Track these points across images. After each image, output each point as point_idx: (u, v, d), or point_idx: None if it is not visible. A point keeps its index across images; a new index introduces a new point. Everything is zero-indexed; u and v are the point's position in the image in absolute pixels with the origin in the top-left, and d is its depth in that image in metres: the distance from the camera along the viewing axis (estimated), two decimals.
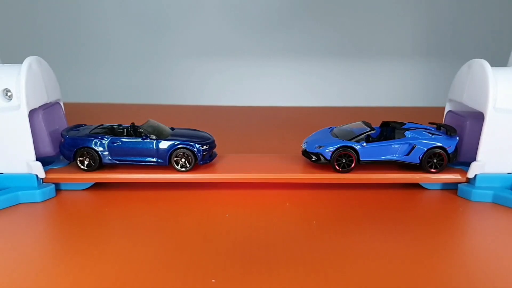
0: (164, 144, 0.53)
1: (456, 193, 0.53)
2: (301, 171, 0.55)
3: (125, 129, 0.58)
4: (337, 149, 0.53)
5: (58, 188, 0.53)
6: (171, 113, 1.03)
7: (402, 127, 0.56)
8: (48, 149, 0.54)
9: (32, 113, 0.51)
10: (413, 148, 0.53)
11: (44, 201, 0.51)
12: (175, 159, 0.53)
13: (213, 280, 0.35)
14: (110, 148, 0.53)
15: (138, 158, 0.54)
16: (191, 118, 0.99)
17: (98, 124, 0.58)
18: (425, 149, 0.53)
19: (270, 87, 1.17)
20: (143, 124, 0.56)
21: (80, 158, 0.53)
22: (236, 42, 1.14)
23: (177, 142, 0.53)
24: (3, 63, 0.55)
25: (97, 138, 0.54)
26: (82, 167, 0.53)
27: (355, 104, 1.15)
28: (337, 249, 0.40)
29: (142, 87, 1.18)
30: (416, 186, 0.55)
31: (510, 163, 0.52)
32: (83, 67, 1.16)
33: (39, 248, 0.41)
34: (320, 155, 0.54)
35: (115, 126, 0.58)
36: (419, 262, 0.38)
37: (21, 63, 0.51)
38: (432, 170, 0.53)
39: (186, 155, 0.53)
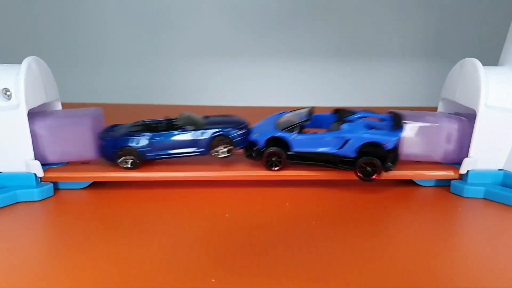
0: (203, 134, 0.54)
1: (449, 190, 0.54)
2: (301, 168, 0.55)
3: (160, 124, 0.58)
4: (267, 140, 0.53)
5: (56, 187, 0.54)
6: (171, 113, 1.03)
7: (349, 117, 0.53)
8: (92, 154, 0.56)
9: (80, 120, 0.54)
10: (346, 142, 0.50)
11: (42, 200, 0.51)
12: (215, 147, 0.54)
13: (213, 280, 0.35)
14: (151, 144, 0.54)
15: (179, 150, 0.54)
16: None
17: (133, 123, 0.58)
18: (360, 143, 0.50)
19: (270, 87, 1.17)
20: (177, 117, 0.57)
21: (124, 158, 0.54)
22: (236, 42, 1.14)
23: (216, 130, 0.54)
24: (1, 63, 0.56)
25: (137, 136, 0.54)
26: (127, 166, 0.54)
27: (355, 104, 1.15)
28: (337, 249, 0.41)
29: (142, 87, 1.18)
30: (410, 182, 0.55)
31: (500, 159, 0.52)
32: (83, 67, 1.17)
33: (37, 247, 0.42)
34: (252, 149, 0.54)
35: (149, 122, 0.58)
36: (415, 257, 0.39)
37: (19, 63, 0.51)
38: (359, 174, 0.51)
39: (225, 142, 0.54)
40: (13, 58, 0.55)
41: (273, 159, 0.53)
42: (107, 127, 0.58)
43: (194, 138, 0.54)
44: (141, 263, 0.38)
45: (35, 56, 0.54)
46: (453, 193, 0.53)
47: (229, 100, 1.17)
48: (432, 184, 0.55)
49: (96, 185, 0.55)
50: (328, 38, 1.13)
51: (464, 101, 0.54)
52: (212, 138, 0.54)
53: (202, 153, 0.54)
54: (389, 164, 0.50)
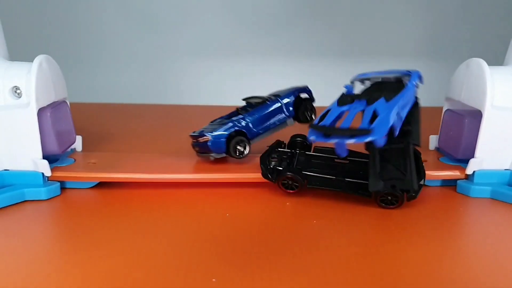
0: (286, 99, 0.60)
1: (455, 190, 0.54)
2: None
3: (240, 111, 0.62)
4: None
5: (63, 187, 0.54)
6: (175, 112, 1.04)
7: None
8: (54, 148, 0.54)
9: (40, 112, 0.52)
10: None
11: (49, 199, 0.51)
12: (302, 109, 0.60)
13: (214, 280, 0.35)
14: (252, 121, 0.58)
15: (273, 120, 0.59)
16: (191, 117, 0.99)
17: (210, 124, 0.62)
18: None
19: (269, 87, 1.17)
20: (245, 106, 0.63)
21: (237, 147, 0.56)
22: (235, 42, 1.14)
23: (295, 92, 0.61)
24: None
25: (238, 120, 0.57)
26: (241, 154, 0.56)
27: None
28: (338, 248, 0.41)
29: (143, 87, 1.18)
30: None
31: (507, 159, 0.53)
32: (82, 67, 1.16)
33: (44, 245, 0.42)
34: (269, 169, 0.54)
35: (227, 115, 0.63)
36: (419, 257, 0.39)
37: (26, 61, 0.51)
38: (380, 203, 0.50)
39: (307, 104, 0.61)
40: (15, 57, 0.56)
41: (289, 182, 0.52)
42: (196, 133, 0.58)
43: (281, 103, 0.60)
44: (143, 262, 0.38)
45: (46, 55, 0.54)
46: (460, 193, 0.53)
47: (230, 100, 1.17)
48: (438, 184, 0.56)
49: (102, 184, 0.55)
50: (328, 38, 1.14)
51: (470, 101, 0.54)
52: (294, 100, 0.60)
53: (289, 116, 0.60)
54: (413, 194, 0.48)
